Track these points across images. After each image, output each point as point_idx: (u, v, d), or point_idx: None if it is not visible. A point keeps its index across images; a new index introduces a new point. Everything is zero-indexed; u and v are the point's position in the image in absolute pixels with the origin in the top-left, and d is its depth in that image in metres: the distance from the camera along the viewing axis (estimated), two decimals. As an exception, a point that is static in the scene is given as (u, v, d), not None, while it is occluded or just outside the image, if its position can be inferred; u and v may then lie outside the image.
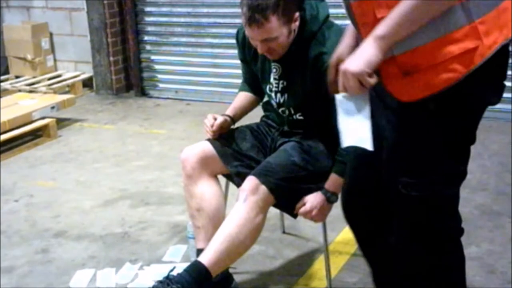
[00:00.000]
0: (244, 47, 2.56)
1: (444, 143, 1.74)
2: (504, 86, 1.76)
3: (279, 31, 2.25)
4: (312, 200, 2.40)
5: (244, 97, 2.73)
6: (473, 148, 1.83)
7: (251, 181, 2.35)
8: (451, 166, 1.78)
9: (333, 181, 2.38)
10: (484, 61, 1.60)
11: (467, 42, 1.59)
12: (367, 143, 1.73)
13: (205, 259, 2.28)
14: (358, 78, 1.65)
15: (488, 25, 1.59)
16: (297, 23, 2.31)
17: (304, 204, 2.41)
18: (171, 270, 2.32)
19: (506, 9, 1.63)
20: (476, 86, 1.66)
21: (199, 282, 2.25)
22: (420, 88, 1.64)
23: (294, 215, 2.49)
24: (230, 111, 2.67)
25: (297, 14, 2.29)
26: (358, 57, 1.65)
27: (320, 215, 2.42)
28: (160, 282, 2.27)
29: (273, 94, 2.52)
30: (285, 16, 2.25)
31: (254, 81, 2.66)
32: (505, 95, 1.94)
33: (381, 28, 1.61)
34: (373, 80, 1.65)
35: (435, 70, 1.61)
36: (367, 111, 1.74)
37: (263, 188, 2.33)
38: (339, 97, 1.75)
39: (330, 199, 2.39)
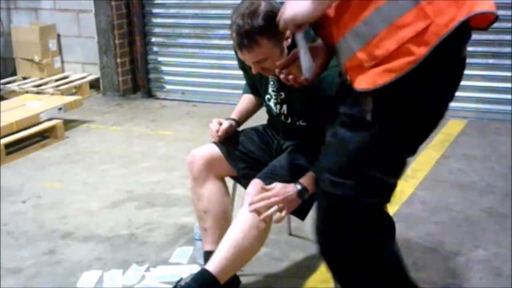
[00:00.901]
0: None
1: (378, 154, 1.76)
2: (460, 76, 1.77)
3: (270, 52, 2.23)
4: (281, 186, 2.31)
5: (248, 99, 2.73)
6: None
7: (255, 184, 2.34)
8: (379, 176, 1.78)
9: (309, 178, 2.32)
10: (443, 40, 1.62)
11: (418, 23, 1.61)
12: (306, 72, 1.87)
13: (212, 266, 2.27)
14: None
15: (438, 4, 1.61)
16: (290, 40, 2.24)
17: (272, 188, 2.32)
18: (179, 281, 2.32)
19: None
20: (422, 84, 1.68)
21: None
22: (381, 75, 1.67)
23: (301, 217, 2.48)
24: (235, 114, 2.68)
25: (288, 31, 2.19)
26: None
27: (286, 205, 2.31)
28: None
29: (272, 105, 2.53)
30: (275, 36, 2.20)
31: (256, 85, 2.66)
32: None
33: None
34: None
35: (394, 56, 1.64)
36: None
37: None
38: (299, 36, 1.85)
39: (301, 193, 2.31)
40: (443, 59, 1.67)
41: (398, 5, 1.62)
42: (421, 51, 1.61)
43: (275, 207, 2.29)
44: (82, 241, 3.17)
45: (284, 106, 2.49)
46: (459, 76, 1.76)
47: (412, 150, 1.82)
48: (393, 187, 1.83)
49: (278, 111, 2.52)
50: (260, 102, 2.72)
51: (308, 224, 2.99)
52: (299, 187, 2.32)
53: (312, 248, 2.99)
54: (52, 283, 2.79)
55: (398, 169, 1.83)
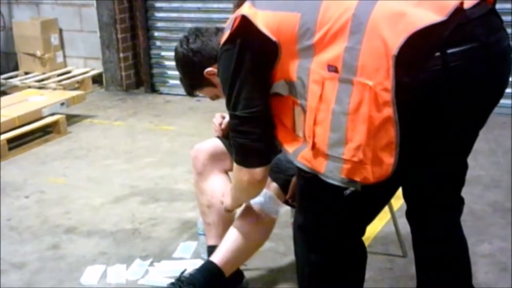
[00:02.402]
0: None
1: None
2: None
3: (211, 93, 2.34)
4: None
5: None
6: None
7: None
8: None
9: None
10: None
11: (364, 94, 1.61)
12: None
13: (217, 258, 2.28)
14: None
15: (367, 68, 1.59)
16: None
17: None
18: (183, 272, 2.31)
19: None
20: None
21: (211, 282, 2.24)
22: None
23: None
24: None
25: (208, 69, 2.20)
26: None
27: None
28: (172, 284, 2.27)
29: None
30: (201, 85, 2.29)
31: None
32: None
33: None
34: None
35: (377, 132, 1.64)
36: None
37: (274, 185, 2.33)
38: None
39: None
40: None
41: (344, 93, 1.60)
42: (388, 112, 1.56)
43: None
44: (86, 236, 3.16)
45: None
46: None
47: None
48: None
49: None
50: None
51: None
52: None
53: (316, 243, 2.99)
54: (56, 278, 2.79)
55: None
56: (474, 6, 1.62)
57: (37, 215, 3.42)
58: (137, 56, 5.97)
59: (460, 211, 2.01)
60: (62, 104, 4.95)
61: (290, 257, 2.87)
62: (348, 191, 1.65)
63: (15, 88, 5.74)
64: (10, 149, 4.37)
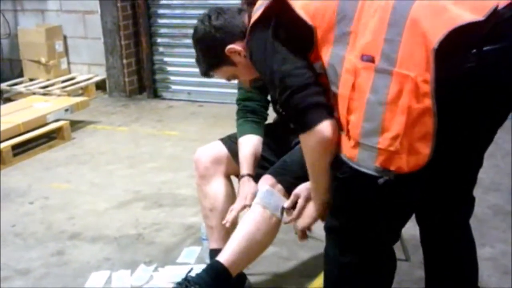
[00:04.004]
0: None
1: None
2: None
3: (228, 73, 2.22)
4: (306, 194, 2.22)
5: (252, 146, 2.54)
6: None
7: (268, 180, 2.34)
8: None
9: None
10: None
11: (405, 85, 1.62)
12: None
13: (224, 258, 2.27)
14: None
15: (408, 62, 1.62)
16: (242, 52, 2.11)
17: (296, 201, 2.24)
18: (189, 272, 2.32)
19: None
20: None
21: (218, 282, 2.25)
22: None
23: None
24: (248, 167, 2.50)
25: (230, 46, 2.12)
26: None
27: (314, 213, 2.24)
28: (179, 283, 2.27)
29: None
30: (219, 64, 2.18)
31: (259, 90, 2.58)
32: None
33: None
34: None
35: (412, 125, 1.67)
36: None
37: (279, 187, 2.33)
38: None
39: None
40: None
41: (381, 83, 1.61)
42: (428, 103, 1.58)
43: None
44: (90, 241, 3.18)
45: None
46: None
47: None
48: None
49: None
50: (260, 139, 2.60)
51: (316, 223, 2.99)
52: None
53: (319, 247, 3.00)
54: (60, 284, 2.81)
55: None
56: (505, 7, 1.64)
57: (42, 221, 3.44)
58: (140, 62, 6.00)
59: (471, 211, 2.03)
60: (66, 110, 4.98)
61: (294, 262, 2.89)
62: (381, 180, 1.65)
63: (20, 95, 5.77)
64: (14, 155, 4.39)
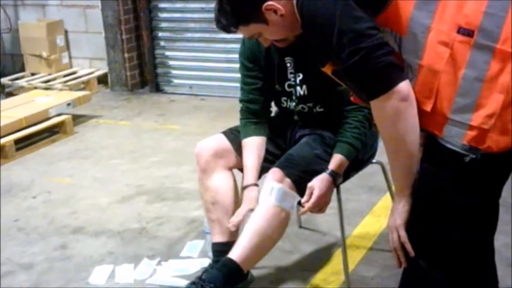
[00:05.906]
0: (254, 50, 2.50)
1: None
2: None
3: (257, 30, 2.08)
4: (319, 185, 2.31)
5: (256, 150, 2.53)
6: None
7: (275, 173, 2.34)
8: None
9: (337, 161, 2.35)
10: None
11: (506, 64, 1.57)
12: None
13: (236, 255, 2.27)
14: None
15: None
16: (280, 11, 1.96)
17: (311, 193, 2.31)
18: (205, 271, 2.32)
19: None
20: None
21: (231, 280, 2.25)
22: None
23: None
24: (253, 176, 2.49)
25: (270, 3, 1.96)
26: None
27: (328, 200, 2.35)
28: (193, 283, 2.27)
29: (293, 90, 2.49)
30: (250, 20, 2.04)
31: (262, 91, 2.56)
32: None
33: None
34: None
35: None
36: None
37: (287, 181, 2.33)
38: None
39: (335, 179, 2.34)
40: None
41: (480, 59, 1.55)
42: None
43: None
44: (93, 236, 3.18)
45: (304, 87, 2.46)
46: None
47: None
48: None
49: (298, 94, 2.47)
50: (264, 140, 2.58)
51: (318, 217, 3.00)
52: (332, 174, 2.34)
53: (322, 241, 3.00)
54: (63, 279, 2.81)
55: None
56: None
57: (44, 215, 3.45)
58: (142, 56, 6.00)
59: None
60: (68, 104, 4.97)
61: (296, 255, 2.89)
62: (467, 158, 1.59)
63: (22, 89, 5.77)
64: (17, 149, 4.39)
